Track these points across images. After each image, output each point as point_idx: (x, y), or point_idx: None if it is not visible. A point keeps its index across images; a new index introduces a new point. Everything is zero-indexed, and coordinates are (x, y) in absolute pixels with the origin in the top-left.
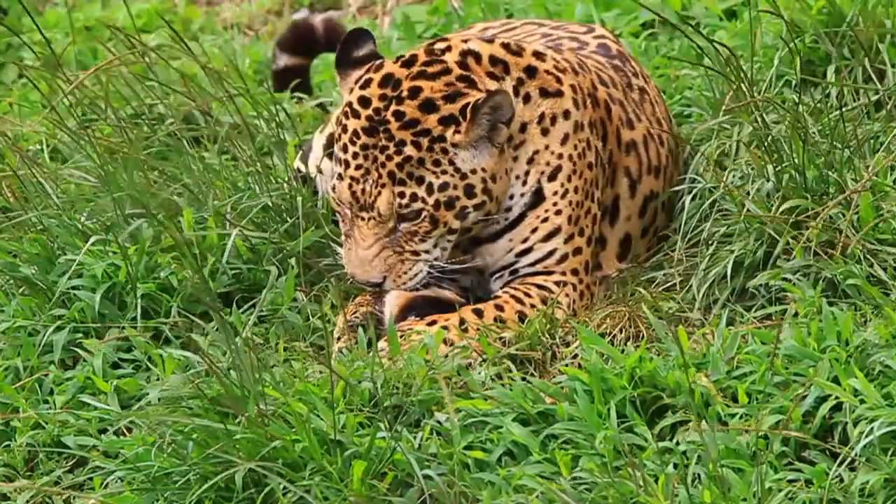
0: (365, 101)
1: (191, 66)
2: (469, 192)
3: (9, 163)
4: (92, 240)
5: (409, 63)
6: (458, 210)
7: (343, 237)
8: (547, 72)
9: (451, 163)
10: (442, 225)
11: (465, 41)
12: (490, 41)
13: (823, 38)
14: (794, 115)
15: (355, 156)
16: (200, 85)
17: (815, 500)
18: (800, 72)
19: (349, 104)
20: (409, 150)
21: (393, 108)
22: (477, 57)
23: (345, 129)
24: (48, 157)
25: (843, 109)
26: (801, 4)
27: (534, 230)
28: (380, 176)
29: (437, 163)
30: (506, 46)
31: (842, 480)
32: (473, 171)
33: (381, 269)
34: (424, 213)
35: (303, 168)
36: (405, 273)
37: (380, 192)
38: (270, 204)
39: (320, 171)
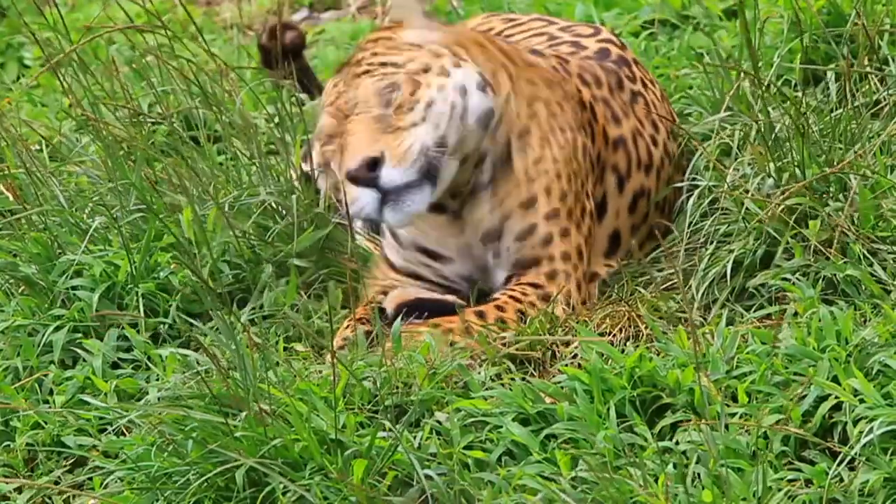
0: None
1: (192, 64)
2: (437, 55)
3: (9, 164)
4: (93, 226)
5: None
6: (437, 66)
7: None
8: None
9: (402, 42)
10: (425, 86)
11: None
12: None
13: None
14: (797, 111)
15: (334, 87)
16: (206, 75)
17: (814, 499)
18: (802, 70)
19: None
20: (360, 56)
21: (346, 60)
22: None
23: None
24: (48, 157)
25: (845, 109)
26: (801, 4)
27: (509, 192)
28: (347, 83)
29: (388, 49)
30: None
31: (841, 480)
32: (424, 46)
33: (376, 146)
34: (402, 78)
35: (304, 167)
36: (400, 145)
37: (356, 87)
38: (274, 204)
39: (322, 170)
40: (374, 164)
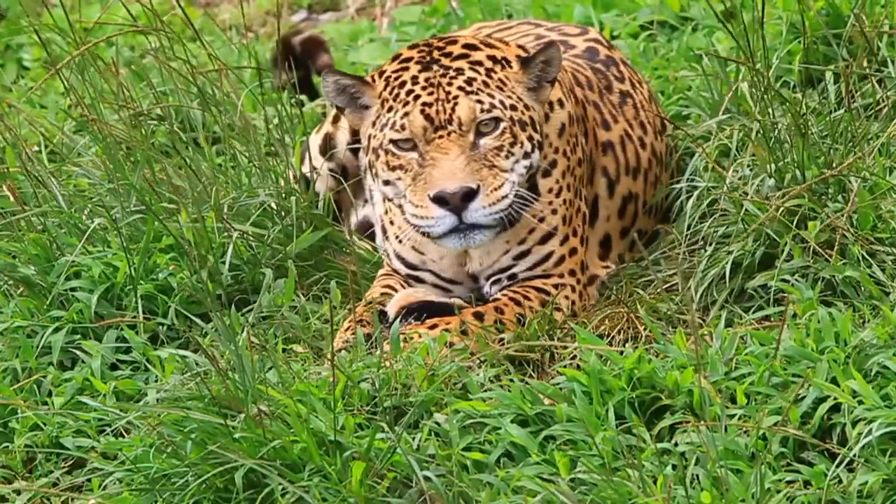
0: (406, 59)
1: (190, 65)
2: (533, 123)
3: (8, 164)
4: (91, 227)
5: (427, 42)
6: (528, 135)
7: (394, 182)
8: None
9: (513, 91)
10: (519, 144)
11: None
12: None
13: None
14: (797, 113)
15: (423, 88)
16: (204, 76)
17: (813, 500)
18: (801, 71)
19: (391, 73)
20: (469, 73)
21: (437, 54)
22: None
23: (401, 84)
24: (46, 158)
25: (844, 110)
26: (800, 6)
27: (531, 231)
28: (449, 93)
29: (500, 87)
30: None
31: (840, 481)
32: (531, 108)
33: (475, 176)
34: (504, 125)
35: (304, 168)
36: (496, 190)
37: (456, 103)
38: (274, 205)
39: (317, 172)
40: (469, 195)
